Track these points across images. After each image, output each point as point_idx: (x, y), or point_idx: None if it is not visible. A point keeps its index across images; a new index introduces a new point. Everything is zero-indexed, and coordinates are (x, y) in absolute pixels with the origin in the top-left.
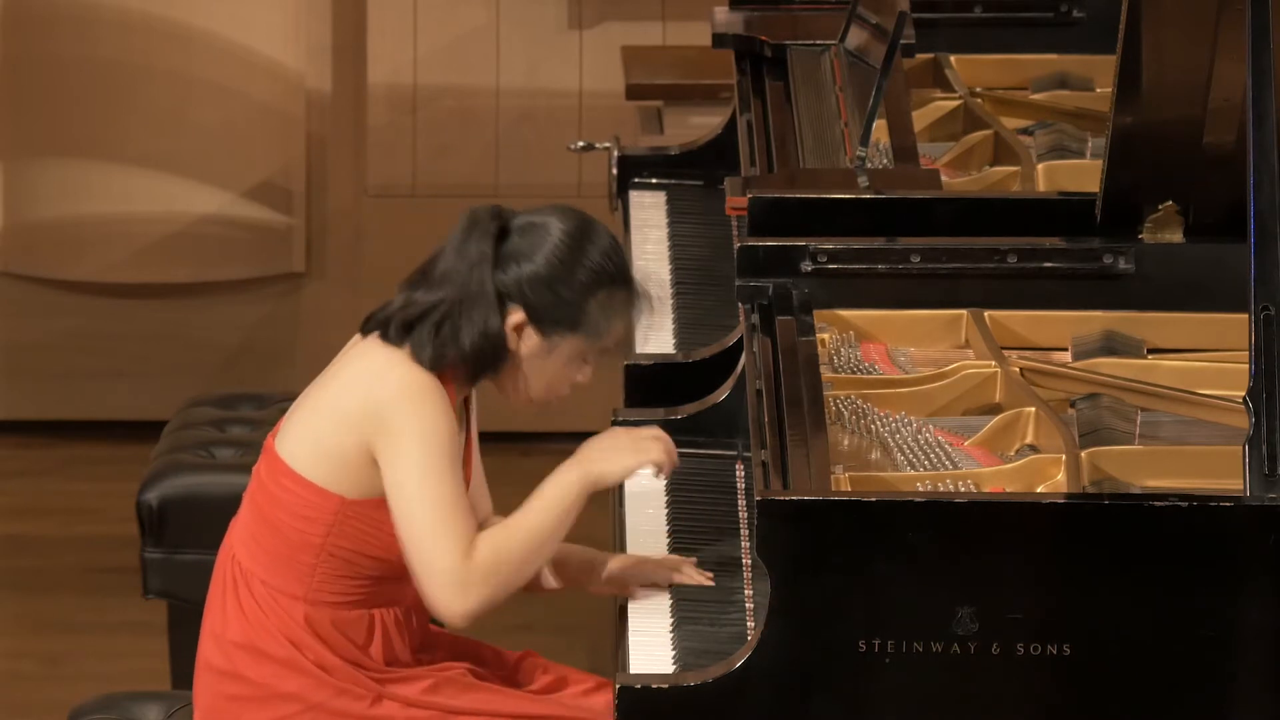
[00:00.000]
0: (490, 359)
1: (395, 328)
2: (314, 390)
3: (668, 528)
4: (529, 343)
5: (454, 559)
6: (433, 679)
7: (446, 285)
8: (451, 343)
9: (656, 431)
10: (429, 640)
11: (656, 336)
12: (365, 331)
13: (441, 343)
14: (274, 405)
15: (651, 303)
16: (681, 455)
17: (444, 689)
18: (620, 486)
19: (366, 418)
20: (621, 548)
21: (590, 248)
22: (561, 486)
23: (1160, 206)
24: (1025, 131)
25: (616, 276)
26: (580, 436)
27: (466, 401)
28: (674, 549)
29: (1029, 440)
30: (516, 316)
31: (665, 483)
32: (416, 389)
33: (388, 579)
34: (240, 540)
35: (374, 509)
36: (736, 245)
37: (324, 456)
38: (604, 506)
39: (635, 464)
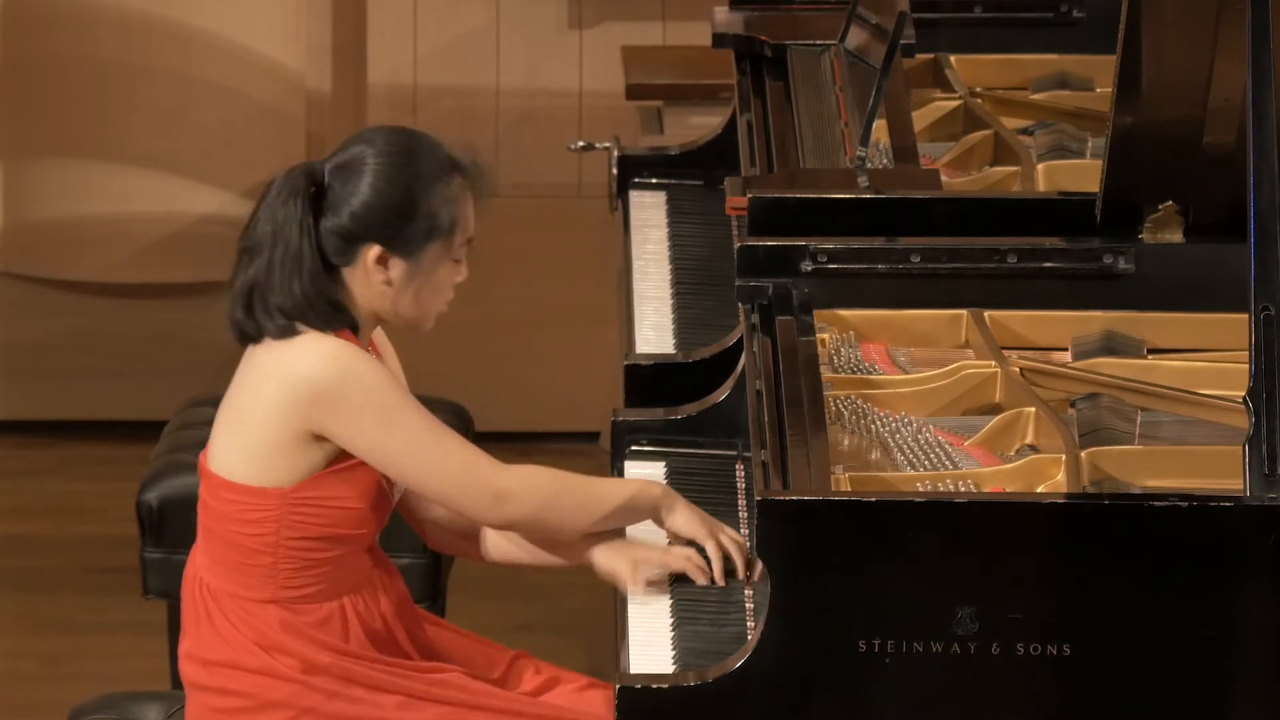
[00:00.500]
0: (330, 305)
1: (250, 323)
2: (228, 404)
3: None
4: (397, 270)
5: (483, 469)
6: (426, 679)
7: (263, 258)
8: (292, 308)
9: (735, 536)
10: (420, 629)
11: (656, 336)
12: (244, 342)
13: (289, 313)
14: None
15: (486, 173)
16: (681, 455)
17: (440, 687)
18: None
19: (301, 399)
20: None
21: (408, 154)
22: (640, 493)
23: (1160, 206)
24: (1025, 131)
25: (443, 168)
26: (580, 436)
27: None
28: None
29: (1029, 440)
30: (373, 251)
31: (666, 483)
32: (335, 353)
33: (347, 557)
34: (203, 564)
35: (314, 488)
36: (736, 245)
37: (256, 457)
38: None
39: (702, 532)
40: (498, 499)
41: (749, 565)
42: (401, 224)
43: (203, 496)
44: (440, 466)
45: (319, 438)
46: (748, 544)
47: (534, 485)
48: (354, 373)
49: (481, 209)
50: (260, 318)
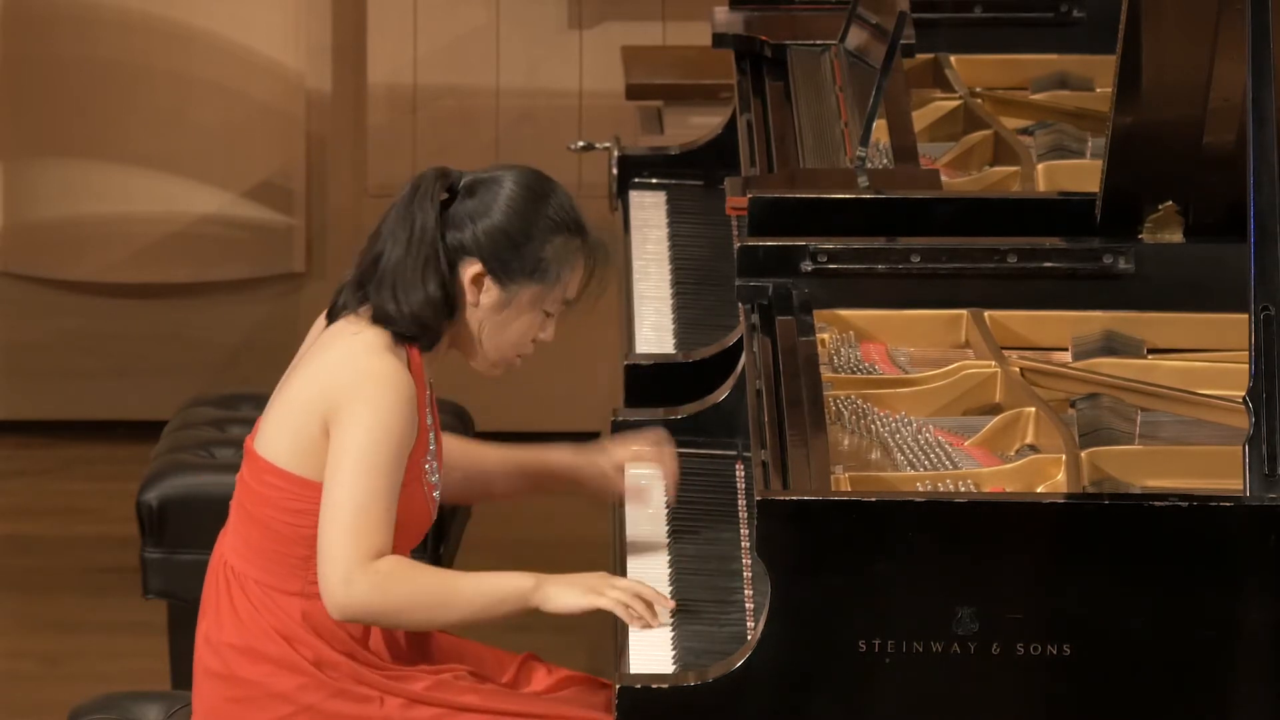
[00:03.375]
0: (446, 309)
1: (352, 302)
2: (284, 385)
3: (667, 527)
4: (489, 295)
5: (354, 554)
6: (434, 679)
7: (394, 249)
8: (403, 302)
9: (627, 584)
10: (429, 640)
11: (656, 336)
12: (331, 318)
13: (394, 303)
14: None
15: (608, 253)
16: (681, 455)
17: (445, 689)
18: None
19: (326, 398)
20: (621, 546)
21: (543, 197)
22: (507, 583)
23: (1160, 206)
24: (1025, 131)
25: (570, 225)
26: (580, 436)
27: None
28: (674, 549)
29: (1029, 440)
30: (474, 268)
31: (665, 483)
32: (377, 377)
33: None
34: (231, 546)
35: None
36: (736, 245)
37: (302, 448)
38: (604, 506)
39: (582, 605)
40: (345, 583)
41: (658, 602)
42: (510, 252)
43: (244, 478)
44: (344, 524)
45: None
46: (639, 585)
47: (383, 592)
48: (378, 403)
49: (593, 288)
50: (372, 295)
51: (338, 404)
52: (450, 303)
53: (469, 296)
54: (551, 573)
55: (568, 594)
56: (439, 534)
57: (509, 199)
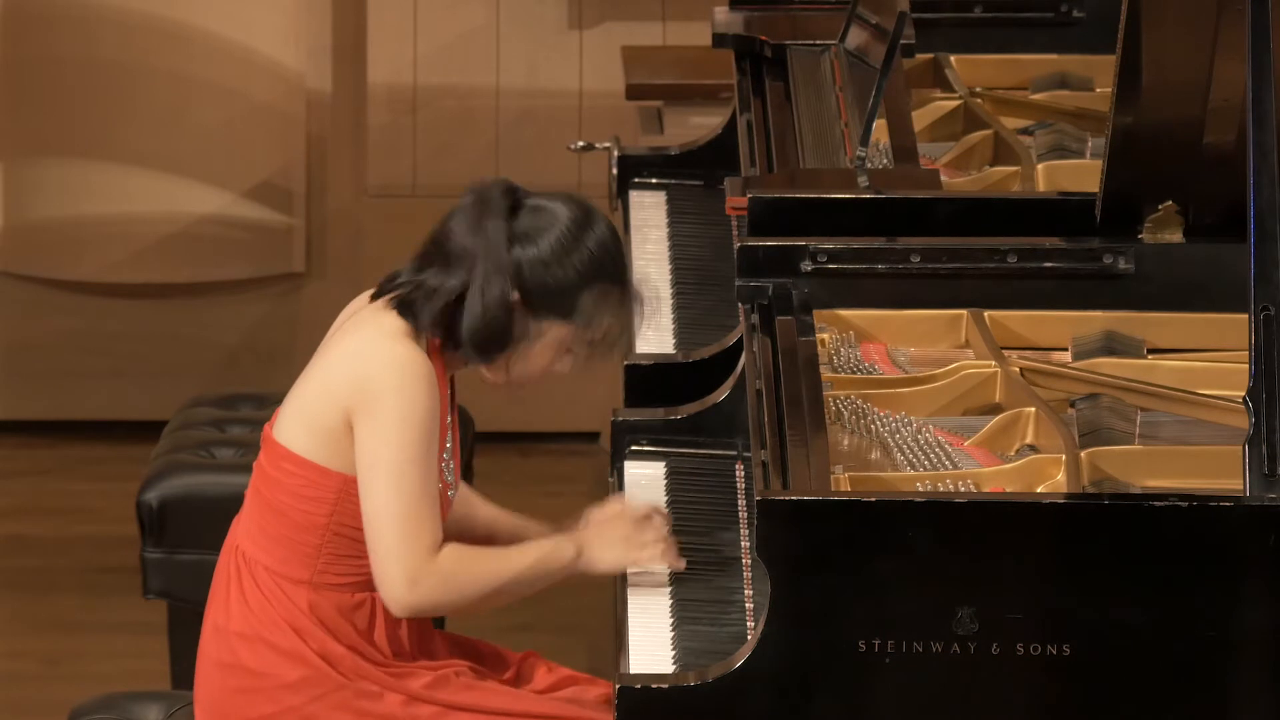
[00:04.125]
0: (500, 335)
1: (411, 308)
2: (308, 373)
3: (668, 527)
4: (519, 323)
5: (416, 554)
6: (435, 675)
7: (464, 263)
8: (466, 318)
9: (658, 530)
10: (431, 639)
11: (656, 336)
12: (376, 297)
13: (455, 319)
14: (274, 405)
15: (644, 305)
16: (681, 455)
17: (447, 685)
18: (620, 486)
19: (351, 389)
20: None
21: (593, 239)
22: (553, 557)
23: (1160, 206)
24: (1025, 131)
25: (614, 272)
26: (580, 436)
27: (451, 380)
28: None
29: (1029, 440)
30: (511, 295)
31: (666, 483)
32: (403, 365)
33: None
34: (245, 532)
35: None
36: (736, 245)
37: (322, 437)
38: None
39: (628, 563)
40: (412, 583)
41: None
42: (549, 291)
43: (261, 464)
44: (396, 525)
45: None
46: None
47: (447, 579)
48: (407, 393)
49: (614, 328)
50: (425, 316)
51: (363, 394)
52: (505, 327)
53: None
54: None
55: (609, 556)
56: None
57: (559, 231)
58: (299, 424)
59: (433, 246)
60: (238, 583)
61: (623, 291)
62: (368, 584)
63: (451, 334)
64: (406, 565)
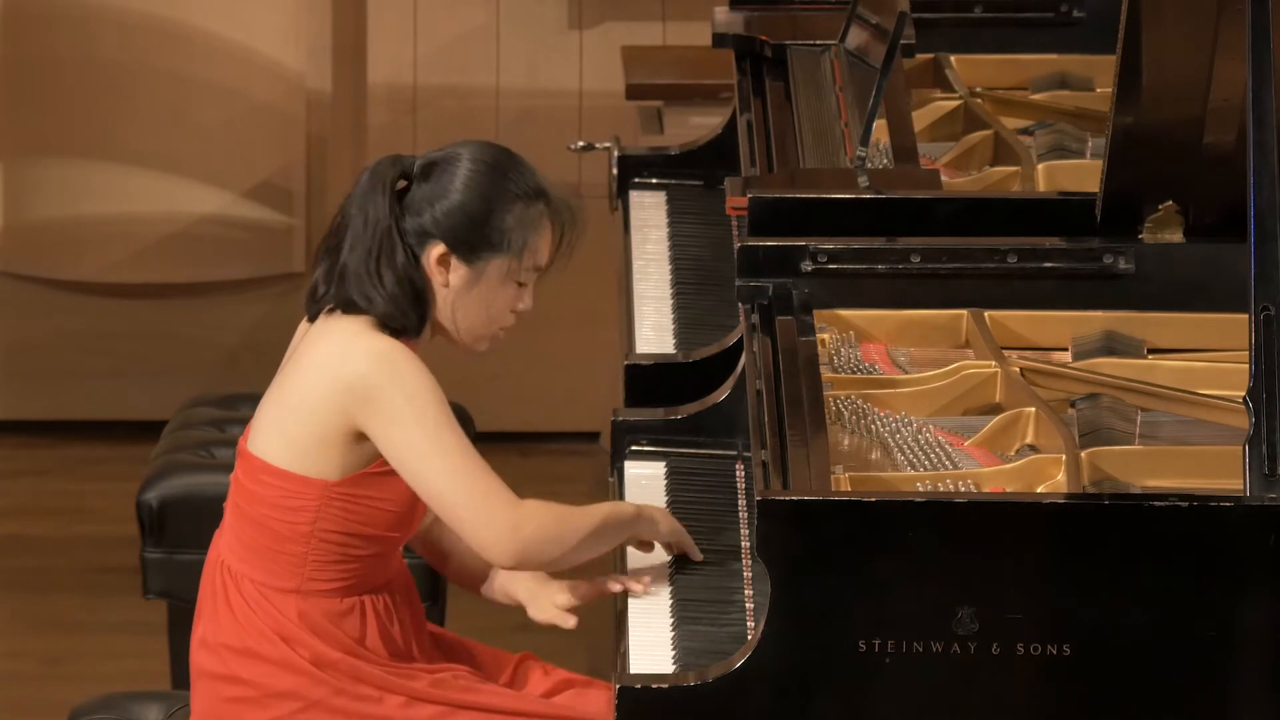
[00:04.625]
0: (414, 299)
1: (336, 301)
2: (276, 386)
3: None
4: (457, 274)
5: (501, 500)
6: (432, 677)
7: (358, 243)
8: (371, 297)
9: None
10: (426, 642)
11: (656, 336)
12: (311, 316)
13: (363, 299)
14: None
15: (574, 213)
16: (681, 455)
17: (444, 688)
18: (620, 486)
19: (346, 395)
20: (620, 547)
21: (500, 169)
22: (618, 512)
23: (1160, 206)
24: (1025, 131)
25: (530, 191)
26: (580, 437)
27: None
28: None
29: (1029, 440)
30: (437, 249)
31: (666, 482)
32: (386, 354)
33: (376, 557)
34: (227, 546)
35: (357, 485)
36: (736, 245)
37: (301, 446)
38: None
39: (679, 536)
40: (514, 529)
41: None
42: (470, 229)
43: (238, 478)
44: (465, 487)
45: (362, 436)
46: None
47: (543, 520)
48: (401, 376)
49: (564, 249)
50: (336, 291)
51: (364, 396)
52: (418, 291)
53: (438, 278)
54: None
55: (670, 523)
56: None
57: (465, 176)
58: (278, 437)
59: (333, 238)
60: (224, 597)
61: (546, 205)
62: (356, 588)
63: (378, 311)
64: (501, 517)
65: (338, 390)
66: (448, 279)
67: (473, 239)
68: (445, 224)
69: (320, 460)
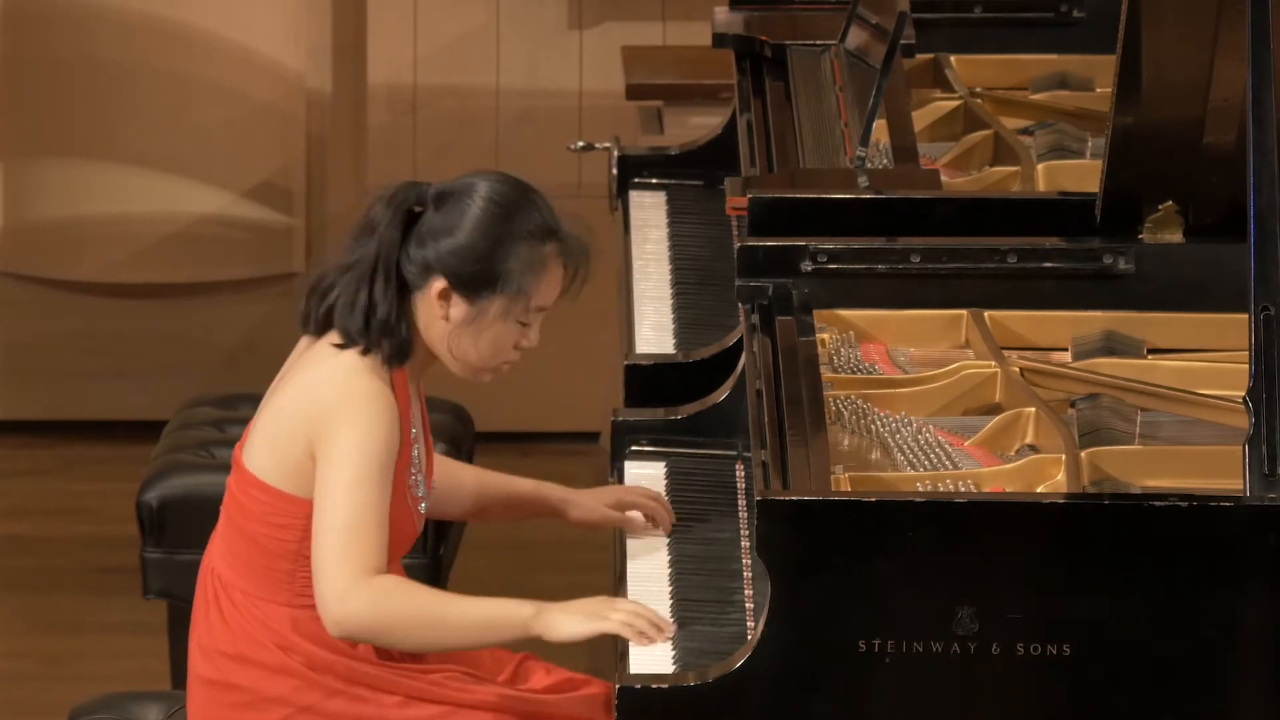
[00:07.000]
0: (391, 330)
1: (318, 320)
2: (270, 398)
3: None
4: (457, 310)
5: (354, 568)
6: (429, 678)
7: (355, 268)
8: (356, 321)
9: (630, 605)
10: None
11: (656, 336)
12: (304, 330)
13: (351, 321)
14: None
15: (587, 253)
16: (681, 455)
17: (440, 687)
18: (620, 484)
19: (310, 421)
20: (621, 548)
21: (510, 209)
22: (506, 615)
23: (1160, 206)
24: (1025, 131)
25: (539, 231)
26: (580, 437)
27: (420, 393)
28: (674, 549)
29: (1029, 440)
30: (438, 284)
31: (666, 483)
32: (359, 395)
33: None
34: (219, 553)
35: None
36: (736, 245)
37: (287, 465)
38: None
39: (590, 631)
40: (340, 600)
41: (661, 627)
42: (473, 268)
43: (231, 487)
44: (333, 541)
45: None
46: (640, 606)
47: (377, 611)
48: (360, 422)
49: (575, 288)
50: (314, 308)
51: (322, 425)
52: (398, 323)
53: (438, 311)
54: (552, 581)
55: (570, 621)
56: (439, 535)
57: (475, 213)
58: (267, 452)
59: (346, 257)
60: (216, 605)
61: (555, 246)
62: None
63: (369, 340)
64: (338, 581)
65: (307, 417)
66: (448, 313)
67: (475, 278)
68: (449, 260)
69: (304, 480)
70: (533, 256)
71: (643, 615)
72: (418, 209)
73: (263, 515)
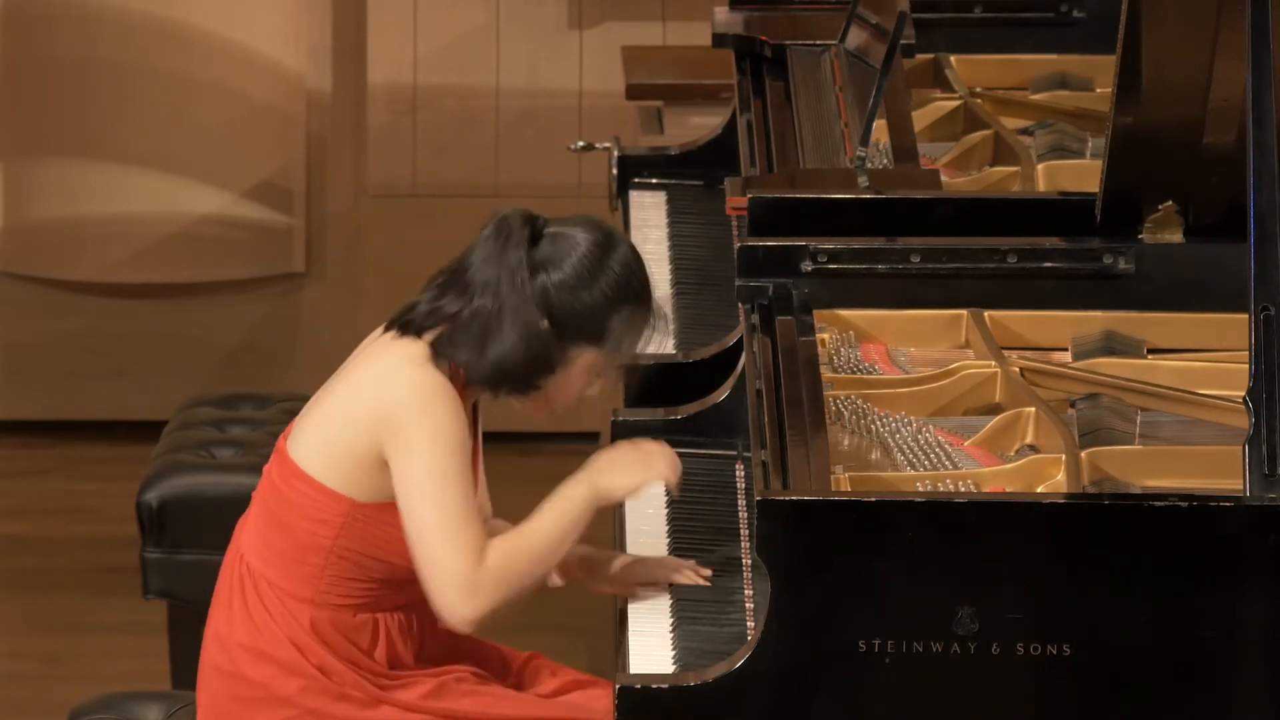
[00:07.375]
0: (541, 366)
1: (425, 331)
2: (326, 392)
3: (667, 528)
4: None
5: (466, 564)
6: (434, 683)
7: (485, 294)
8: (492, 352)
9: (662, 447)
10: (434, 642)
11: (656, 336)
12: (389, 328)
13: (480, 352)
14: (274, 405)
15: (667, 324)
16: (681, 455)
17: (446, 693)
18: None
19: (378, 420)
20: (621, 548)
21: (617, 261)
22: (570, 499)
23: (1160, 206)
24: (1025, 131)
25: (640, 293)
26: (579, 437)
27: (475, 405)
28: (674, 549)
29: (1029, 440)
30: (542, 325)
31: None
32: (429, 390)
33: (394, 582)
34: (250, 542)
35: (384, 512)
36: (736, 245)
37: (335, 459)
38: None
39: (642, 481)
40: (457, 618)
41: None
42: (580, 315)
43: (271, 476)
44: (447, 542)
45: (387, 465)
46: (663, 450)
47: (501, 582)
48: (435, 415)
49: (642, 350)
50: (458, 349)
51: (391, 424)
52: (544, 352)
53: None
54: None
55: (622, 480)
56: None
57: (582, 256)
58: (316, 444)
59: (451, 276)
60: (240, 594)
61: (648, 312)
62: (371, 605)
63: (480, 366)
64: (460, 577)
65: (374, 414)
66: None
67: (577, 325)
68: (555, 302)
69: (351, 478)
70: (632, 315)
71: (674, 462)
72: (533, 237)
73: (302, 507)
